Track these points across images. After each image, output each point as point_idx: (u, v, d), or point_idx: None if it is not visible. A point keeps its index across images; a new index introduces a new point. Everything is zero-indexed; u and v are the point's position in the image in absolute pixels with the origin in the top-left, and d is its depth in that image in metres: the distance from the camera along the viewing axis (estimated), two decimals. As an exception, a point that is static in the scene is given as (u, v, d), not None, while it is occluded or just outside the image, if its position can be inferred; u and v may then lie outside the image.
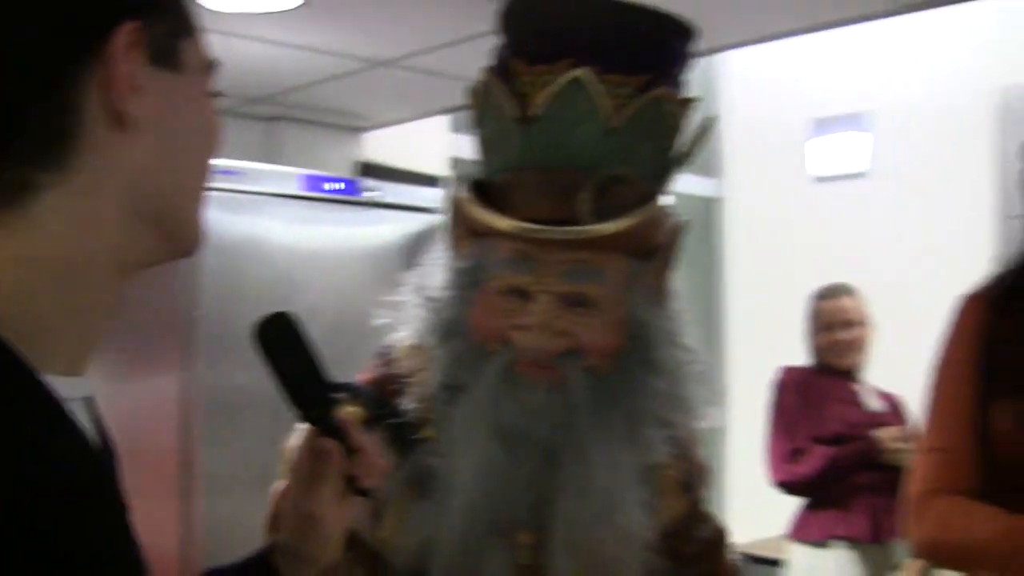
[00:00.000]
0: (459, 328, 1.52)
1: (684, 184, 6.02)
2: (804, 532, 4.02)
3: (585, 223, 1.47)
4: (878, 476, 3.80)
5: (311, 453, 1.20)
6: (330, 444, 1.20)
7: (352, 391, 1.28)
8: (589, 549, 1.48)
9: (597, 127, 1.49)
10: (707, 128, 1.63)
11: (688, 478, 1.66)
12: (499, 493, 1.47)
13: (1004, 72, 5.12)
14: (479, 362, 1.50)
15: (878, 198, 5.65)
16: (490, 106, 1.57)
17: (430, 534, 1.46)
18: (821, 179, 5.96)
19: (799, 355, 4.24)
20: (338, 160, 5.21)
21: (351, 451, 1.20)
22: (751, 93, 6.13)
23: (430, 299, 1.57)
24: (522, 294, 1.49)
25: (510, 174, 1.54)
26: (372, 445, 1.23)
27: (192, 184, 1.01)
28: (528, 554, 1.49)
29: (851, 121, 5.84)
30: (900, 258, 5.32)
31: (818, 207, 5.89)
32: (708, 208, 6.34)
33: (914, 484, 1.88)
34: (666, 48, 1.59)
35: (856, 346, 4.09)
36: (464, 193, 1.57)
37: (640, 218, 1.50)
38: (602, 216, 1.48)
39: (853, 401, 4.03)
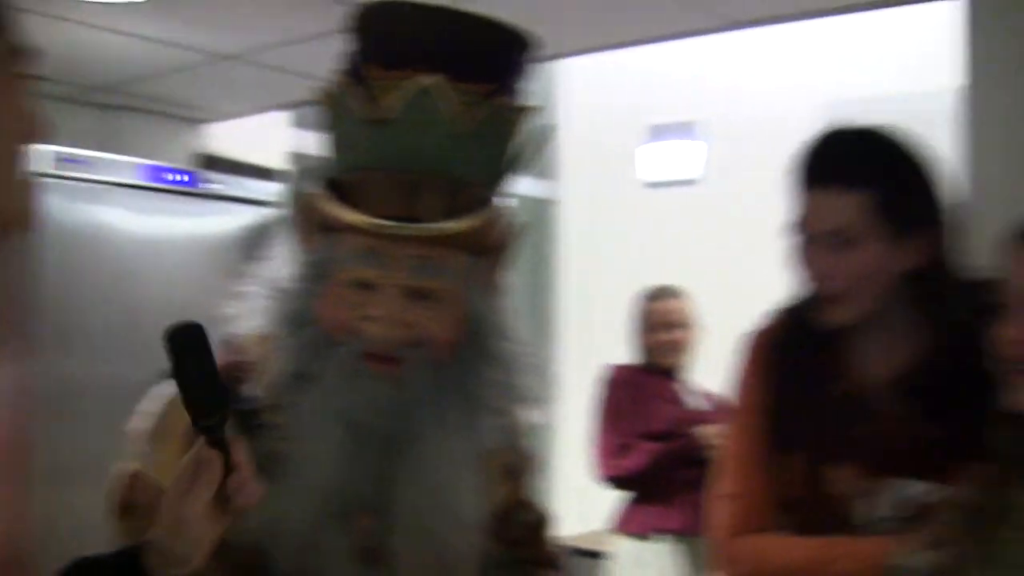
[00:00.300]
0: (307, 318, 1.58)
1: (522, 186, 6.19)
2: (627, 525, 4.17)
3: (432, 221, 1.55)
4: (699, 472, 3.93)
5: (196, 460, 1.26)
6: (214, 456, 1.26)
7: (242, 403, 1.34)
8: (426, 533, 1.56)
9: (445, 132, 1.58)
10: (545, 135, 1.73)
11: (515, 465, 1.75)
12: (342, 478, 1.54)
13: (832, 87, 5.37)
14: (326, 352, 1.56)
15: (709, 205, 5.85)
16: (342, 107, 1.63)
17: (274, 516, 1.51)
18: (652, 184, 6.15)
19: (627, 354, 4.37)
20: (177, 151, 5.17)
21: (230, 467, 1.26)
22: (589, 99, 6.28)
23: (278, 290, 1.63)
24: (369, 287, 1.56)
25: (360, 173, 1.61)
26: (249, 466, 1.29)
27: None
28: (368, 537, 1.56)
29: (684, 130, 6.04)
30: (728, 263, 5.51)
31: (649, 212, 6.07)
32: (543, 210, 6.48)
33: (717, 529, 1.98)
34: (509, 58, 1.68)
35: (680, 347, 4.25)
36: (314, 188, 1.63)
37: (482, 219, 1.59)
38: (447, 215, 1.56)
39: (676, 400, 4.18)
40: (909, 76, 4.86)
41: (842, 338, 1.88)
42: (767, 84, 5.66)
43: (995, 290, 1.63)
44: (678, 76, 5.93)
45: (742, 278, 5.28)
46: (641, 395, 4.18)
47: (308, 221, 1.64)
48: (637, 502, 4.16)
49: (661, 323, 4.25)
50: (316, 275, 1.60)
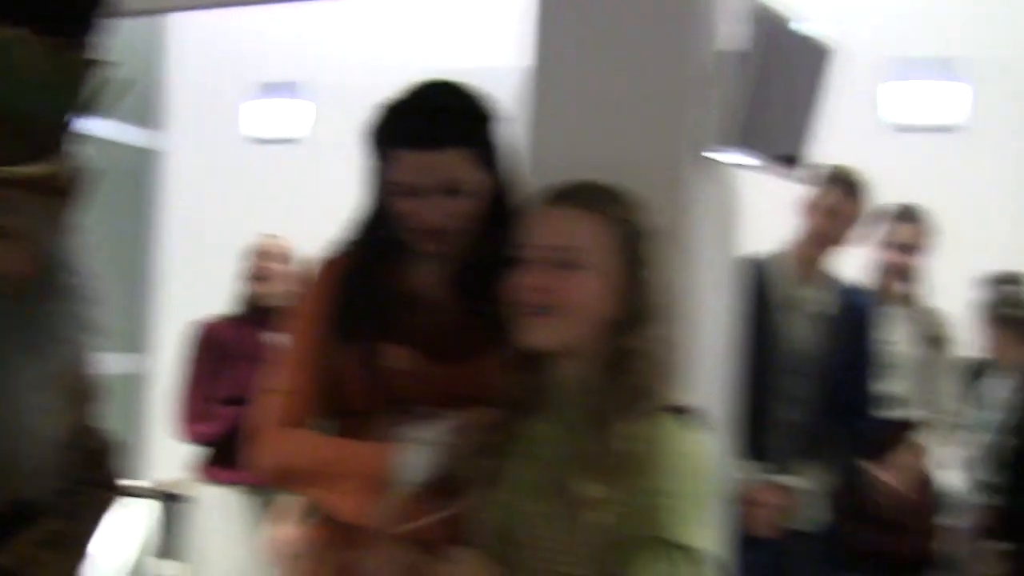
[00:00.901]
0: None
1: (125, 134, 6.19)
2: (211, 475, 4.32)
3: (6, 164, 1.67)
4: None
5: None
6: None
7: None
8: (5, 450, 1.68)
9: (18, 81, 1.69)
10: (122, 87, 1.86)
11: (81, 392, 1.89)
12: None
13: (427, 57, 5.67)
14: None
15: (314, 162, 6.04)
16: None
17: None
18: (258, 141, 6.29)
19: (228, 306, 4.49)
20: None
21: None
22: (200, 55, 6.33)
23: None
24: None
25: None
26: None
27: None
28: None
29: (290, 89, 6.21)
30: (329, 220, 5.70)
31: (254, 167, 6.20)
32: (146, 159, 6.47)
33: (258, 420, 2.19)
34: (84, 14, 1.81)
35: (276, 282, 4.35)
36: None
37: (53, 164, 1.72)
38: (21, 160, 1.68)
39: (263, 357, 4.29)
40: (498, 50, 5.22)
41: (405, 257, 2.15)
42: (368, 50, 5.90)
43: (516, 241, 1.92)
44: (287, 37, 6.07)
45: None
46: (226, 354, 4.28)
47: None
48: (219, 454, 4.27)
49: (262, 265, 4.39)
50: None
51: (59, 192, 1.77)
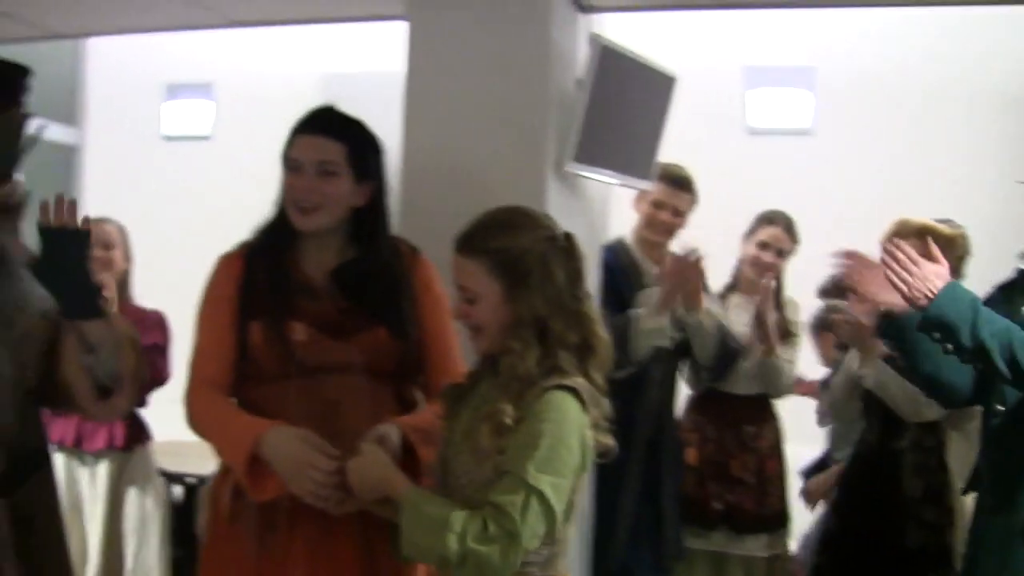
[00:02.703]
0: None
1: (49, 132, 6.50)
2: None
3: None
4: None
5: None
6: None
7: None
8: None
9: None
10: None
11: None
12: None
13: (325, 61, 6.11)
14: None
15: (221, 159, 6.41)
16: None
17: None
18: (169, 138, 6.73)
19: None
20: None
21: None
22: (114, 57, 6.67)
23: None
24: None
25: None
26: None
27: None
28: None
29: (199, 89, 6.62)
30: (237, 212, 6.04)
31: (166, 165, 6.60)
32: (66, 156, 6.83)
33: (188, 381, 2.66)
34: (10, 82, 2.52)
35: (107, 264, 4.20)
36: None
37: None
38: None
39: None
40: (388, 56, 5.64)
41: (298, 246, 2.66)
42: (274, 50, 6.31)
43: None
44: (196, 40, 6.41)
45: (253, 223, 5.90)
46: None
47: None
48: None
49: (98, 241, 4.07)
50: None
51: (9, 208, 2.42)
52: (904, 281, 2.58)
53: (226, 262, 2.71)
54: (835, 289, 4.09)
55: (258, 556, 2.54)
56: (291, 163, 2.61)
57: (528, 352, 2.19)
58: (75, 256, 2.38)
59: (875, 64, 5.58)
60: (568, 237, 2.28)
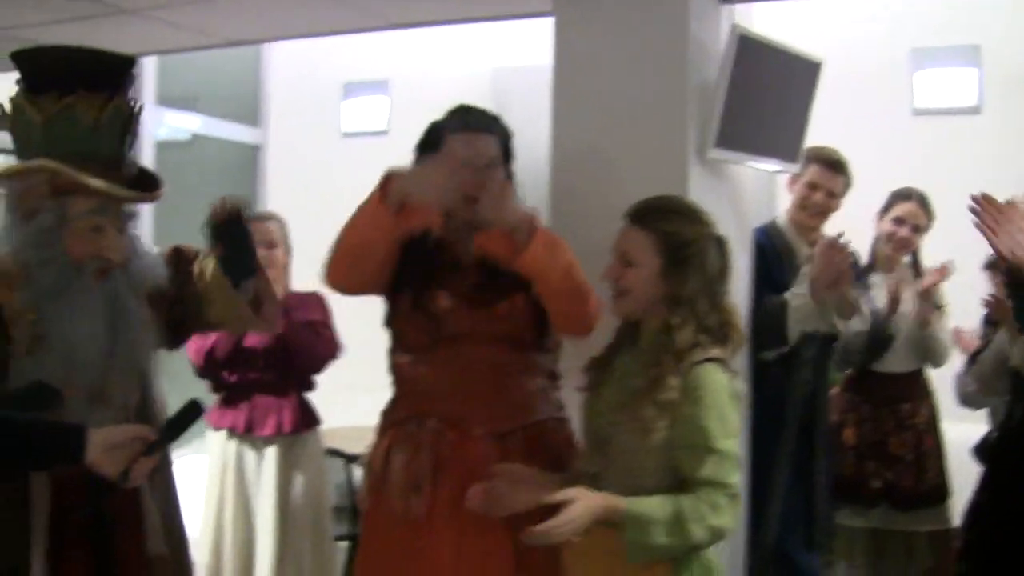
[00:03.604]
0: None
1: (231, 132, 6.88)
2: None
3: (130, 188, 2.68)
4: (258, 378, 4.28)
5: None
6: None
7: None
8: None
9: (87, 128, 2.62)
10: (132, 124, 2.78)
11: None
12: None
13: (494, 55, 6.29)
14: (77, 272, 2.59)
15: (397, 152, 6.62)
16: (20, 119, 2.66)
17: None
18: (348, 135, 7.03)
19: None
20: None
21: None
22: (293, 60, 7.00)
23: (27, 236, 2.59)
24: (99, 229, 2.59)
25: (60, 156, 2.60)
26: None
27: None
28: None
29: (376, 86, 6.90)
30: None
31: (345, 160, 6.89)
32: (250, 154, 7.21)
33: None
34: (116, 73, 2.72)
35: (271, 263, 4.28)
36: (51, 164, 2.58)
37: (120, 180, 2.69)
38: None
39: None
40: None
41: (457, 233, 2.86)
42: (444, 48, 6.53)
43: None
44: (371, 40, 6.67)
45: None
46: None
47: (40, 186, 2.60)
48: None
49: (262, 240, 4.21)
50: (56, 223, 2.60)
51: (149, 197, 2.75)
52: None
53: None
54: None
55: (403, 517, 2.76)
56: (464, 160, 2.80)
57: (686, 327, 2.44)
58: (240, 237, 2.85)
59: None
60: (724, 240, 2.53)
